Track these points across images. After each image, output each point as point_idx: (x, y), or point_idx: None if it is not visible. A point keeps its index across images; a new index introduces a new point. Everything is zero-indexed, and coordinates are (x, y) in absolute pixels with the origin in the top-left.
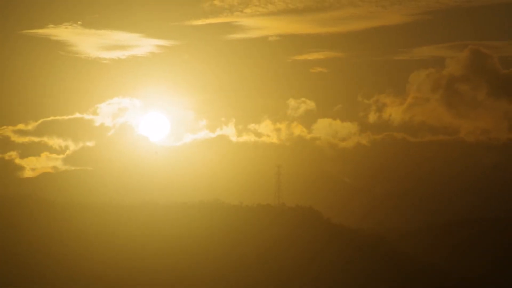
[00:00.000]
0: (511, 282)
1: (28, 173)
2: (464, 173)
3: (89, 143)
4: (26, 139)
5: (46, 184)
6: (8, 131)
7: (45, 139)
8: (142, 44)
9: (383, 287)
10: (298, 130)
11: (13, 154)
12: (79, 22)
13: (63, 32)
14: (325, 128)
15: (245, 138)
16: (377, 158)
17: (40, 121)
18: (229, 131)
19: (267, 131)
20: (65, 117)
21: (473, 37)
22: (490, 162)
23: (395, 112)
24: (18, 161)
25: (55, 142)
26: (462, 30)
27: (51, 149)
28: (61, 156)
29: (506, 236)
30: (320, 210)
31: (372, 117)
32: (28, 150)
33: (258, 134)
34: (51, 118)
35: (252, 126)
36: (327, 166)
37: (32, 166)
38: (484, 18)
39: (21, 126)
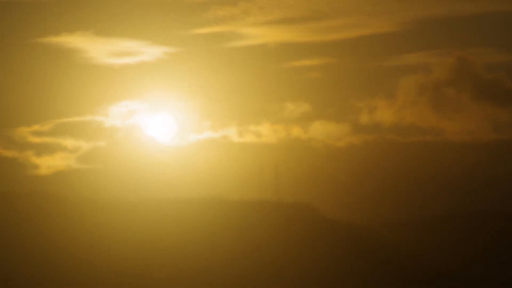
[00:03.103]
0: (489, 272)
1: (43, 171)
2: (449, 170)
3: (100, 143)
4: (41, 139)
5: (60, 181)
6: (24, 131)
7: (59, 139)
8: (150, 51)
9: (373, 274)
10: (295, 131)
11: (29, 153)
12: (91, 30)
13: (76, 40)
14: (320, 129)
15: (245, 138)
16: (369, 157)
17: (54, 123)
18: (231, 132)
19: (266, 132)
20: (78, 119)
21: (458, 44)
22: (473, 161)
23: (385, 115)
24: (34, 159)
25: (68, 142)
26: (448, 38)
27: (64, 149)
28: (74, 155)
29: (487, 229)
30: (315, 205)
31: (364, 119)
32: (43, 150)
33: (258, 135)
34: (65, 119)
35: (252, 127)
36: (322, 165)
37: (47, 165)
38: (468, 26)
39: (36, 127)
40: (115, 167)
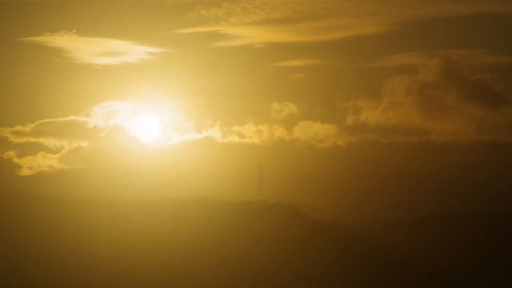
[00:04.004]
0: (483, 272)
1: (25, 172)
2: (438, 172)
3: (83, 144)
4: (23, 140)
5: (42, 181)
6: (6, 132)
7: (41, 139)
8: (133, 51)
9: (360, 278)
10: (280, 131)
11: (11, 153)
12: (73, 30)
13: (59, 40)
14: (306, 130)
15: (229, 139)
16: (354, 158)
17: (36, 123)
18: (215, 132)
19: (250, 132)
20: (60, 119)
21: (442, 45)
22: (458, 162)
23: (371, 115)
24: (16, 160)
25: (50, 142)
26: (433, 39)
27: (47, 149)
28: (57, 155)
29: (479, 229)
30: (299, 206)
31: (350, 120)
32: (25, 150)
33: (242, 136)
34: (47, 120)
35: (236, 128)
36: (307, 166)
37: (29, 165)
38: (452, 28)
39: (18, 128)
40: (98, 167)
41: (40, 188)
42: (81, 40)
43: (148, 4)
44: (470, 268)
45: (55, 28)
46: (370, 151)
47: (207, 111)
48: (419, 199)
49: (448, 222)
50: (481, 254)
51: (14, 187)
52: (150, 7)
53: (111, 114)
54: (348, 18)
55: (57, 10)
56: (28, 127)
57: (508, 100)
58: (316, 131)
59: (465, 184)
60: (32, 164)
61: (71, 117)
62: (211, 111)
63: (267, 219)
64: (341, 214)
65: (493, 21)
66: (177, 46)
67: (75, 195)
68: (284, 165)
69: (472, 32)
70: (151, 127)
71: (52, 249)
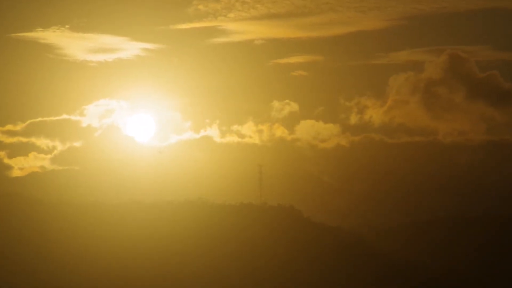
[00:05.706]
0: (481, 276)
1: (16, 172)
2: (441, 173)
3: (76, 144)
4: (14, 140)
5: (34, 183)
6: None
7: (33, 139)
8: (128, 48)
9: (363, 283)
10: (281, 131)
11: (1, 154)
12: (67, 26)
13: (51, 36)
14: (308, 129)
15: (228, 139)
16: (357, 159)
17: (28, 122)
18: (213, 132)
19: (250, 132)
20: (53, 118)
21: (449, 42)
22: (465, 163)
23: (375, 114)
24: (6, 160)
25: (42, 142)
26: (438, 35)
27: (39, 149)
28: (49, 156)
29: (479, 233)
30: (300, 209)
31: (353, 119)
32: (16, 150)
33: (242, 135)
34: (39, 119)
35: (235, 127)
36: (308, 166)
37: (20, 166)
38: (459, 24)
39: (9, 127)
40: (92, 168)
41: (32, 189)
42: (74, 36)
43: None
44: (474, 272)
45: (47, 23)
46: (375, 152)
47: (205, 109)
48: (423, 202)
49: (452, 225)
50: (482, 258)
51: (5, 189)
52: (146, 1)
53: (106, 112)
54: (351, 13)
55: (49, 5)
56: (19, 127)
57: None
58: (318, 131)
59: (471, 185)
60: (23, 165)
61: (64, 116)
62: (210, 109)
63: (267, 222)
64: (343, 217)
65: (501, 16)
66: (174, 42)
67: (68, 197)
68: (285, 166)
69: (480, 28)
70: (147, 126)
71: (44, 254)
